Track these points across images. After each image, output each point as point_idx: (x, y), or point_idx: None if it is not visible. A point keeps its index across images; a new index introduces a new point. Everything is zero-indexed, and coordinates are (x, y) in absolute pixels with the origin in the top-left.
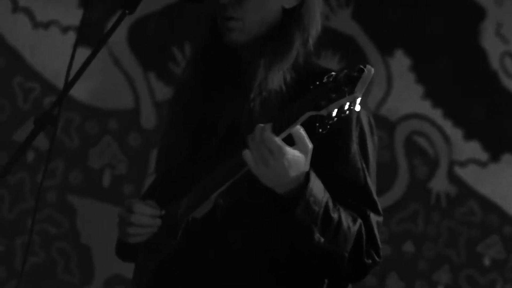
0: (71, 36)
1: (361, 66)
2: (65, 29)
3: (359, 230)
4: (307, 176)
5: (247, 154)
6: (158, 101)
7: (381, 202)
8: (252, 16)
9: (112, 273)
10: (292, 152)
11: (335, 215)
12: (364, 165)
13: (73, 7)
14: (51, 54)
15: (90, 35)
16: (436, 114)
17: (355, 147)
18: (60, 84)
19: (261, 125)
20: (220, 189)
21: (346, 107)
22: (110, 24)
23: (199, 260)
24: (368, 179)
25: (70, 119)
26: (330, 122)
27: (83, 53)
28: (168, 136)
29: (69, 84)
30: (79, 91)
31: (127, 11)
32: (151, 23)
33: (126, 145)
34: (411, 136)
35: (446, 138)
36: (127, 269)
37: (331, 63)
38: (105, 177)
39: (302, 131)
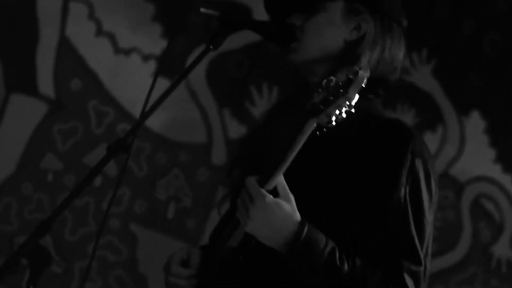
0: (151, 65)
1: (357, 69)
2: (146, 58)
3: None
4: (300, 226)
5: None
6: (231, 139)
7: (442, 263)
8: (309, 38)
9: None
10: (271, 197)
11: (344, 266)
12: (410, 211)
13: (156, 37)
14: (129, 81)
15: (171, 66)
16: (506, 179)
17: (400, 194)
18: (134, 111)
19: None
20: None
21: (343, 109)
22: (191, 57)
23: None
24: (412, 226)
25: (140, 148)
26: (330, 125)
27: (161, 83)
28: (232, 173)
29: (146, 114)
30: (152, 121)
31: (211, 47)
32: (231, 60)
33: (193, 179)
34: (478, 198)
35: None
36: None
37: (406, 117)
38: (169, 209)
39: (283, 180)
